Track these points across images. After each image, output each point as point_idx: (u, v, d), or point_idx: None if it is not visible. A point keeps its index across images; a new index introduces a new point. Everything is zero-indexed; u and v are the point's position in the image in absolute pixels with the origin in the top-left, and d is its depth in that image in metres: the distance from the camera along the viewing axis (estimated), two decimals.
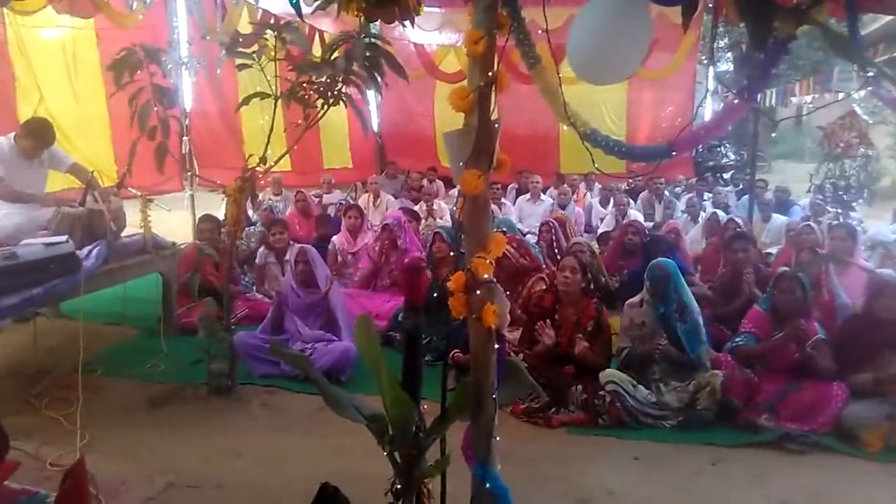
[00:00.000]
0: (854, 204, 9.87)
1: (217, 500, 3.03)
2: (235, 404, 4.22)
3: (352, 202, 8.91)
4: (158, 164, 4.39)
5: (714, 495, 3.21)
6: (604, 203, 9.57)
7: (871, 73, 2.42)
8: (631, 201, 9.16)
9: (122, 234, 4.96)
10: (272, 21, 5.23)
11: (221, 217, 6.20)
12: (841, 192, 10.07)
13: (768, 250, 6.88)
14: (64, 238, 4.27)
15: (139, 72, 4.23)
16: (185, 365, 4.72)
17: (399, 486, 2.32)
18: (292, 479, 3.16)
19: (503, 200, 9.62)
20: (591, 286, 4.88)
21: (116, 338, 5.33)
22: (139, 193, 5.27)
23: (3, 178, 4.63)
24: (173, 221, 7.26)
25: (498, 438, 2.27)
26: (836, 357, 3.94)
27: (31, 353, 4.62)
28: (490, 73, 2.13)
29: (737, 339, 4.23)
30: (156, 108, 4.30)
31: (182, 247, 5.78)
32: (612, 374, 4.02)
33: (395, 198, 9.70)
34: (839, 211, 8.51)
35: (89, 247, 4.51)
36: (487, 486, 2.20)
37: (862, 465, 3.50)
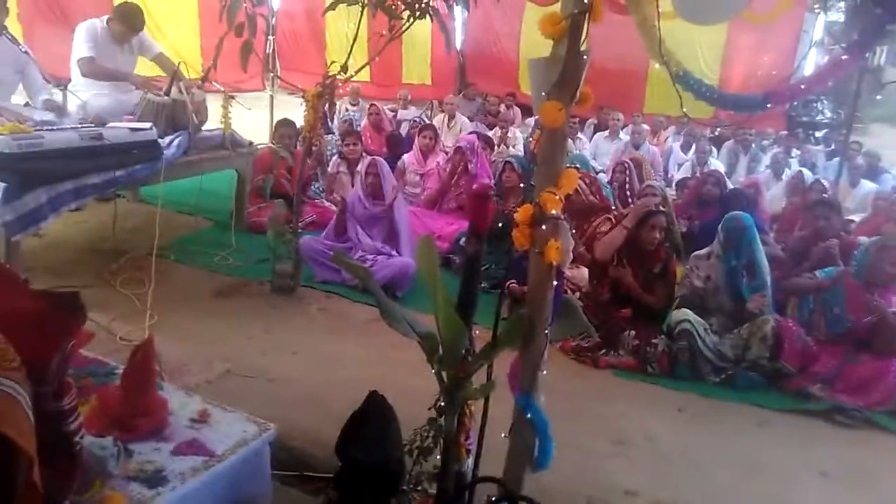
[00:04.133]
0: None
1: (269, 392, 3.18)
2: (296, 304, 4.38)
3: (427, 121, 8.86)
4: (243, 61, 4.43)
5: (753, 455, 3.19)
6: (685, 149, 9.22)
7: None
8: (714, 150, 8.80)
9: (203, 128, 5.07)
10: None
11: (300, 121, 6.26)
12: None
13: (851, 217, 6.55)
14: (148, 125, 4.40)
15: None
16: (252, 261, 4.89)
17: (443, 404, 2.40)
18: (342, 382, 3.28)
19: (580, 136, 9.38)
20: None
21: (189, 227, 5.54)
22: (222, 89, 5.36)
23: (95, 57, 4.78)
24: (252, 120, 7.38)
25: (545, 372, 2.29)
26: None
27: (110, 232, 4.86)
28: (585, 1, 2.04)
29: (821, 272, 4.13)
30: (245, 5, 4.30)
31: (259, 147, 5.88)
32: (687, 313, 3.97)
33: (471, 121, 9.58)
34: None
35: (171, 136, 4.64)
36: (528, 415, 2.24)
37: None
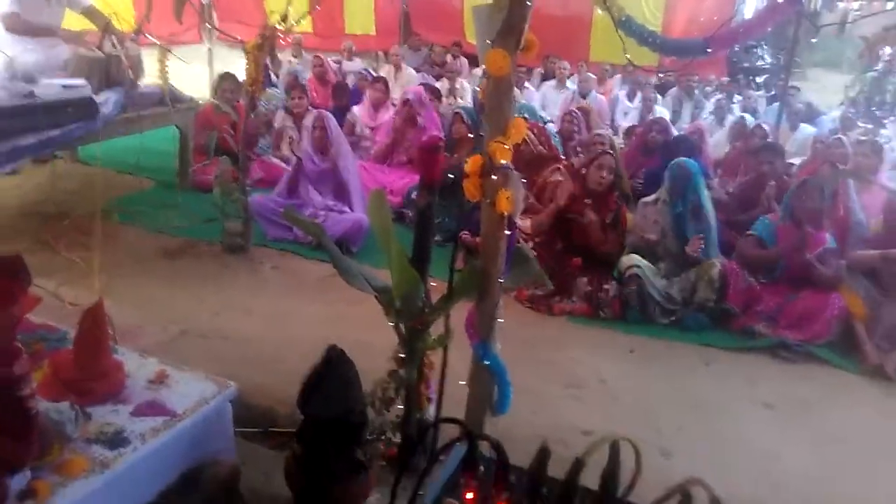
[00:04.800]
0: (886, 121, 9.55)
1: (225, 351, 3.16)
2: (248, 264, 4.33)
3: (374, 73, 8.69)
4: (177, 12, 4.27)
5: (703, 393, 3.33)
6: (631, 97, 9.28)
7: None
8: (659, 97, 8.89)
9: (140, 84, 4.88)
10: None
11: (241, 75, 6.07)
12: (874, 108, 9.71)
13: (791, 160, 6.75)
14: (82, 81, 4.21)
15: None
16: (201, 221, 4.78)
17: (402, 355, 2.42)
18: (299, 339, 3.27)
19: (526, 85, 9.35)
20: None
21: (132, 188, 5.38)
22: (157, 42, 5.14)
23: (19, 12, 4.52)
24: (191, 75, 7.12)
25: (501, 320, 2.33)
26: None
27: (48, 195, 4.68)
28: None
29: (754, 229, 4.26)
30: None
31: (200, 102, 5.70)
32: (636, 258, 4.07)
33: (417, 72, 9.44)
34: (869, 126, 8.24)
35: (107, 93, 4.45)
36: (486, 362, 2.29)
37: (850, 378, 3.61)
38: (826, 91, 11.70)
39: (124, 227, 4.57)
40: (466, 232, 4.16)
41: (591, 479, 1.49)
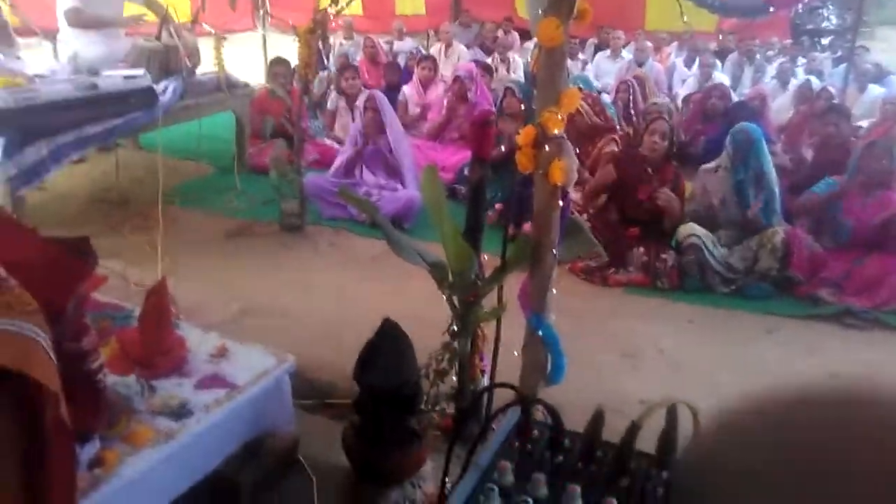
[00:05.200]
0: None
1: (286, 327, 3.24)
2: (305, 242, 4.41)
3: (424, 52, 8.67)
4: (231, 1, 4.34)
5: (764, 361, 3.24)
6: (688, 64, 9.01)
7: None
8: (718, 62, 8.60)
9: (197, 71, 5.00)
10: None
11: (294, 59, 6.16)
12: None
13: (859, 123, 6.44)
14: (142, 71, 4.35)
15: None
16: (258, 203, 4.89)
17: (456, 328, 2.44)
18: (355, 314, 3.32)
19: (580, 56, 9.18)
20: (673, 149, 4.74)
21: (192, 173, 5.54)
22: (213, 31, 5.26)
23: (81, 7, 4.68)
24: (246, 61, 7.26)
25: (554, 291, 2.32)
26: None
27: (113, 182, 4.86)
28: None
29: (817, 188, 4.12)
30: None
31: (255, 87, 5.81)
32: (695, 227, 3.98)
33: (468, 48, 9.38)
34: None
35: (165, 81, 4.58)
36: (540, 333, 2.28)
37: None
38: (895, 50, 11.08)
39: (185, 211, 4.71)
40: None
41: (647, 444, 1.47)
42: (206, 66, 5.14)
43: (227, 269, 3.90)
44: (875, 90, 7.33)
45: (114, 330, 2.16)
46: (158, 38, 4.76)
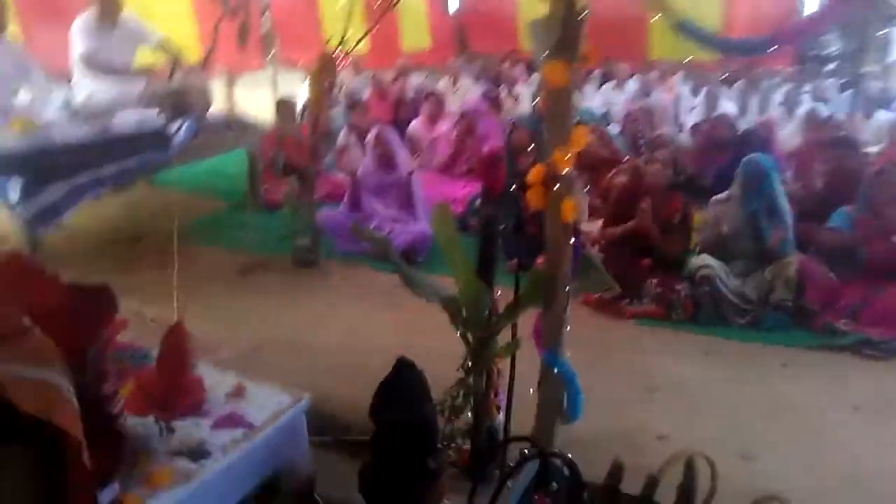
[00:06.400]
0: None
1: (301, 362, 3.24)
2: (319, 277, 4.46)
3: (431, 87, 8.77)
4: (241, 40, 4.43)
5: (782, 394, 3.21)
6: (694, 93, 9.06)
7: None
8: (724, 90, 8.64)
9: (209, 111, 5.08)
10: None
11: (304, 97, 6.25)
12: None
13: (869, 149, 6.44)
14: (155, 113, 4.42)
15: None
16: (272, 239, 4.92)
17: (470, 364, 2.44)
18: (370, 348, 3.32)
19: (586, 88, 9.25)
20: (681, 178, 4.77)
21: (206, 210, 5.59)
22: (224, 71, 5.36)
23: (93, 53, 4.76)
24: (256, 99, 7.36)
25: (569, 328, 2.32)
26: None
27: (128, 219, 4.91)
28: None
29: (831, 221, 4.12)
30: None
31: (266, 125, 5.89)
32: (708, 258, 3.97)
33: (476, 81, 9.48)
34: None
35: (178, 122, 4.66)
36: (555, 370, 2.28)
37: None
38: None
39: (200, 248, 4.74)
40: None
41: (667, 490, 1.46)
42: (218, 105, 5.23)
43: (243, 305, 3.93)
44: (882, 115, 7.34)
45: (132, 370, 2.17)
46: (171, 79, 4.85)
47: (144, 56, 5.51)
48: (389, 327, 3.69)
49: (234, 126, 5.27)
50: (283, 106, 6.27)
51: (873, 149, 6.27)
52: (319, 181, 5.82)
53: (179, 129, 4.61)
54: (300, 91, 7.30)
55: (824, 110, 7.12)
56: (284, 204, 4.57)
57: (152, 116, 4.38)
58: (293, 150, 5.73)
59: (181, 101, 4.79)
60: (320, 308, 3.98)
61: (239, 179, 5.73)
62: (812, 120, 6.80)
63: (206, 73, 5.27)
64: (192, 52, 7.19)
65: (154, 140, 4.32)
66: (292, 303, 4.03)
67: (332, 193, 5.83)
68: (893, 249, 3.78)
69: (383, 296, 4.09)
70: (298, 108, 6.78)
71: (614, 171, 5.44)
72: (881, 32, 11.35)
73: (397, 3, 4.29)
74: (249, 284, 4.29)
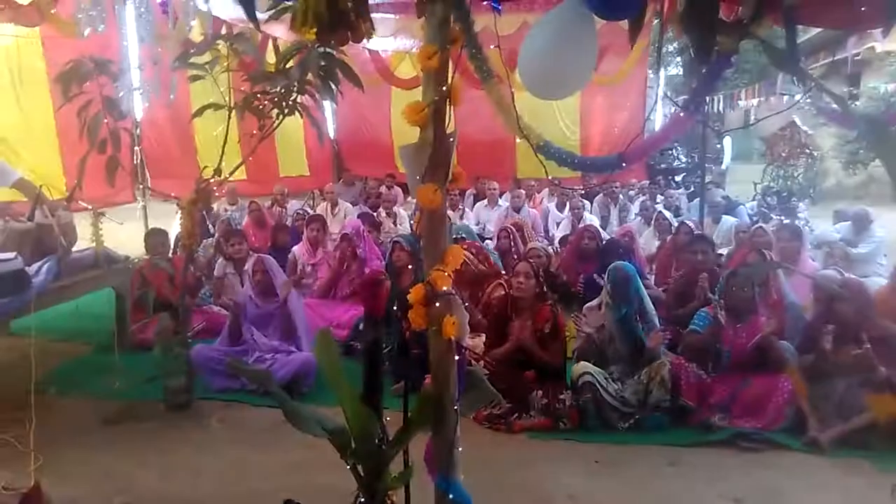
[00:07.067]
0: (800, 204, 10.14)
1: None
2: (193, 420, 4.16)
3: (310, 211, 8.84)
4: (109, 177, 4.33)
5: (672, 495, 3.29)
6: (560, 207, 9.69)
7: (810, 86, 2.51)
8: (587, 204, 9.30)
9: (73, 249, 4.84)
10: (224, 31, 5.19)
11: (177, 229, 6.11)
12: (785, 196, 10.33)
13: (719, 251, 7.05)
14: (12, 255, 4.16)
15: (88, 83, 4.16)
16: (141, 381, 4.61)
17: (363, 499, 2.33)
18: (253, 495, 3.14)
19: (460, 206, 9.67)
20: (548, 289, 4.95)
21: (69, 355, 5.21)
22: (90, 206, 5.16)
23: None
24: (126, 234, 7.11)
25: (460, 449, 2.29)
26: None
27: None
28: (444, 88, 2.16)
29: (693, 324, 4.36)
30: (105, 120, 4.23)
31: (135, 260, 5.67)
32: (587, 366, 4.07)
33: (353, 205, 9.67)
34: (782, 218, 8.74)
35: (39, 262, 4.40)
36: (451, 496, 2.22)
37: (812, 461, 3.61)
38: (742, 182, 12.43)
39: (62, 399, 4.38)
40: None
41: None
42: (83, 243, 4.99)
43: (108, 459, 3.60)
44: (729, 220, 8.11)
45: None
46: (31, 218, 4.61)
47: (2, 194, 5.26)
48: (273, 469, 3.49)
49: (102, 263, 5.03)
50: (154, 237, 6.08)
51: (723, 250, 6.87)
52: (194, 316, 5.62)
53: (40, 269, 4.34)
54: (173, 223, 7.15)
55: (669, 215, 7.85)
56: (156, 343, 4.32)
57: (9, 258, 4.10)
58: (165, 285, 5.53)
59: (42, 239, 4.54)
60: (196, 455, 3.70)
61: (105, 320, 5.40)
62: (661, 223, 7.48)
63: (71, 208, 5.05)
64: (57, 186, 6.94)
65: (11, 284, 4.02)
66: (164, 451, 3.72)
67: (208, 328, 5.62)
68: (753, 345, 4.05)
69: (265, 435, 3.89)
70: (171, 240, 6.63)
71: (492, 285, 5.62)
72: (717, 144, 12.76)
73: (273, 130, 4.34)
74: (117, 435, 3.95)
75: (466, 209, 9.88)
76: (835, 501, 3.22)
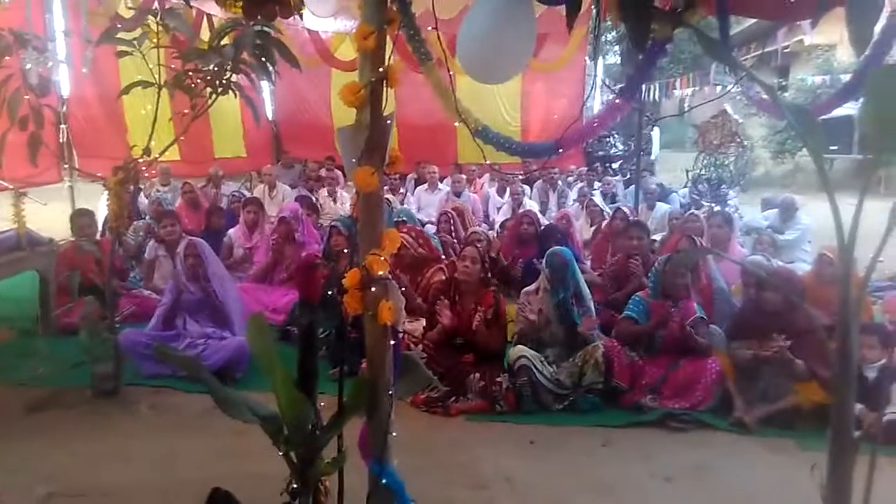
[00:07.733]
0: (731, 192, 10.47)
1: None
2: (122, 406, 4.04)
3: (247, 193, 8.65)
4: (32, 155, 4.12)
5: (605, 475, 3.36)
6: (500, 192, 9.75)
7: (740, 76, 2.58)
8: (527, 189, 9.38)
9: None
10: (154, 6, 4.99)
11: (104, 210, 5.88)
12: (715, 184, 10.64)
13: (653, 237, 7.22)
14: None
15: (7, 58, 3.95)
16: (67, 367, 4.45)
17: (295, 486, 2.30)
18: (183, 483, 3.06)
19: (401, 190, 9.63)
20: (490, 274, 4.98)
21: None
22: (11, 186, 4.93)
23: None
24: (52, 215, 6.83)
25: (395, 434, 2.28)
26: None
27: None
28: (381, 69, 2.13)
29: (628, 309, 4.46)
30: (27, 97, 4.02)
31: (60, 243, 5.44)
32: (523, 349, 4.12)
33: (292, 188, 9.50)
34: (713, 205, 9.01)
35: None
36: (384, 481, 2.22)
37: (740, 440, 3.74)
38: (675, 170, 12.74)
39: None
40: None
41: None
42: (4, 224, 4.76)
43: (33, 448, 3.46)
44: (662, 207, 8.32)
45: None
46: None
47: None
48: (203, 456, 3.41)
49: (24, 245, 4.80)
50: (80, 218, 5.84)
51: (657, 236, 7.05)
52: (124, 300, 5.44)
53: None
54: (100, 204, 6.88)
55: (599, 200, 8.07)
56: (81, 327, 4.16)
57: None
58: (91, 268, 5.32)
59: None
60: (125, 442, 3.59)
61: (28, 304, 5.18)
62: (591, 209, 7.66)
63: None
64: None
65: None
66: (92, 439, 3.59)
67: (138, 312, 5.45)
68: (684, 330, 4.17)
69: (196, 421, 3.80)
70: (99, 221, 6.39)
71: (433, 269, 5.62)
72: (648, 133, 13.05)
73: (206, 110, 4.21)
74: (41, 422, 3.79)
75: (408, 193, 9.84)
76: (760, 478, 3.35)
